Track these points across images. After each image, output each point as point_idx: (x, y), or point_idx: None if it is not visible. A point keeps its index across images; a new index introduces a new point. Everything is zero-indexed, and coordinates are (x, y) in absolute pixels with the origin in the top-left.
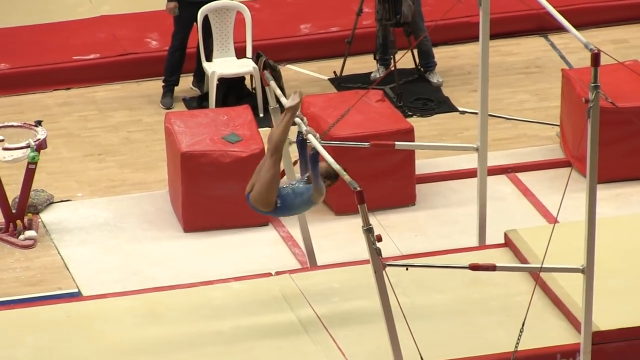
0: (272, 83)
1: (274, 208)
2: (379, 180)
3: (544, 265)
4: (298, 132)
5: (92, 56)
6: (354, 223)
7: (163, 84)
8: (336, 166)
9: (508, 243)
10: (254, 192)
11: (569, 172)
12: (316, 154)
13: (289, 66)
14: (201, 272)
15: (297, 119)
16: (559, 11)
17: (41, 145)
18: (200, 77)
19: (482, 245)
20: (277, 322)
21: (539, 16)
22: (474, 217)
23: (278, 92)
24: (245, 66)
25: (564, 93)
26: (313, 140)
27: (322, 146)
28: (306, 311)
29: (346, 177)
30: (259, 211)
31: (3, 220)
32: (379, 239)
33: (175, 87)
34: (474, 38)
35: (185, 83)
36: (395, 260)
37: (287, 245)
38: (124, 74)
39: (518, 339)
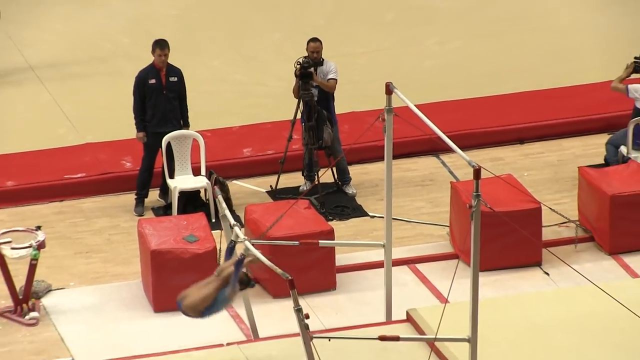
0: (220, 197)
1: (201, 314)
2: (306, 270)
3: (437, 336)
4: (231, 239)
5: (79, 175)
6: (288, 304)
7: (135, 196)
8: (269, 263)
9: (409, 319)
10: (188, 302)
11: (457, 263)
12: (241, 260)
13: (235, 181)
14: (168, 344)
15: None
16: (448, 136)
17: (41, 246)
18: (165, 190)
19: (389, 321)
20: None
21: (431, 140)
22: (382, 299)
23: (224, 205)
24: (200, 182)
25: (452, 201)
26: (252, 249)
27: (261, 246)
28: None
29: (278, 270)
30: (188, 315)
31: (13, 304)
32: (307, 316)
33: (145, 199)
34: (380, 158)
35: (153, 196)
36: (320, 334)
37: (236, 322)
38: (105, 189)
39: None
